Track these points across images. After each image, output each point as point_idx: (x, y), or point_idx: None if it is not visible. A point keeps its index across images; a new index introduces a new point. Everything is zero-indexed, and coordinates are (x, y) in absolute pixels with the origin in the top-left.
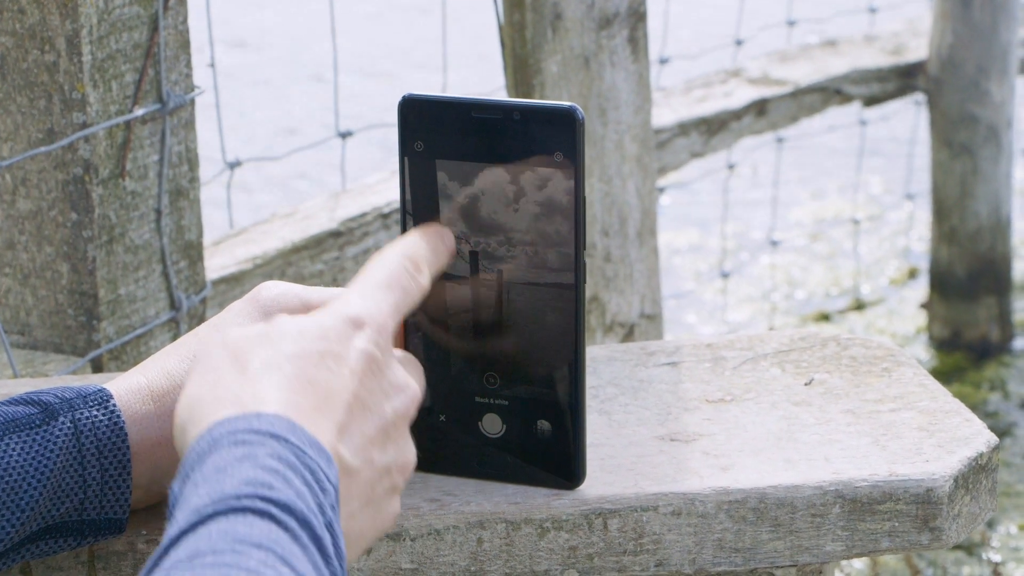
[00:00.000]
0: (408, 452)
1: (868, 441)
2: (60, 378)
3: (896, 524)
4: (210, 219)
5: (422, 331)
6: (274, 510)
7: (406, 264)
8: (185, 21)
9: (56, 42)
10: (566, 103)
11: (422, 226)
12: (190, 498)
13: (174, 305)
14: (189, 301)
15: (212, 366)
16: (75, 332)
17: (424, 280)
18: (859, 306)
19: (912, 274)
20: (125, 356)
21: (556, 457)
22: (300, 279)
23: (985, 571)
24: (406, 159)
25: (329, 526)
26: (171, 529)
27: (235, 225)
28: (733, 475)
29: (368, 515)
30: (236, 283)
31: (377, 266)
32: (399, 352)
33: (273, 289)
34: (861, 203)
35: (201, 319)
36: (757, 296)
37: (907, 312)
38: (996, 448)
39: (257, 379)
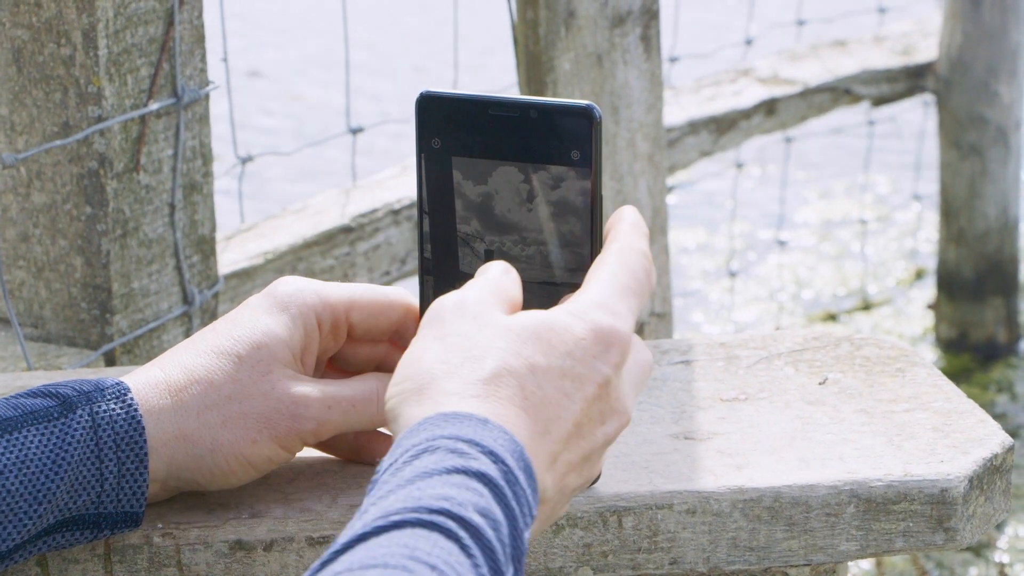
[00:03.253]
0: (596, 470)
1: (883, 441)
2: (75, 371)
3: (910, 524)
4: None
5: None
6: (462, 533)
7: (647, 267)
8: (200, 16)
9: (72, 36)
10: (584, 101)
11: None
12: (387, 497)
13: (187, 299)
14: (202, 295)
15: (450, 343)
16: (88, 325)
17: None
18: (866, 306)
19: (919, 275)
20: (138, 350)
21: None
22: (311, 274)
23: (992, 572)
24: (423, 156)
25: (516, 559)
26: (356, 523)
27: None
28: (748, 474)
29: (536, 531)
30: (247, 278)
31: (621, 266)
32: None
33: (291, 284)
34: (869, 203)
35: (213, 314)
36: (764, 296)
37: (914, 313)
38: (1011, 449)
39: (495, 383)
